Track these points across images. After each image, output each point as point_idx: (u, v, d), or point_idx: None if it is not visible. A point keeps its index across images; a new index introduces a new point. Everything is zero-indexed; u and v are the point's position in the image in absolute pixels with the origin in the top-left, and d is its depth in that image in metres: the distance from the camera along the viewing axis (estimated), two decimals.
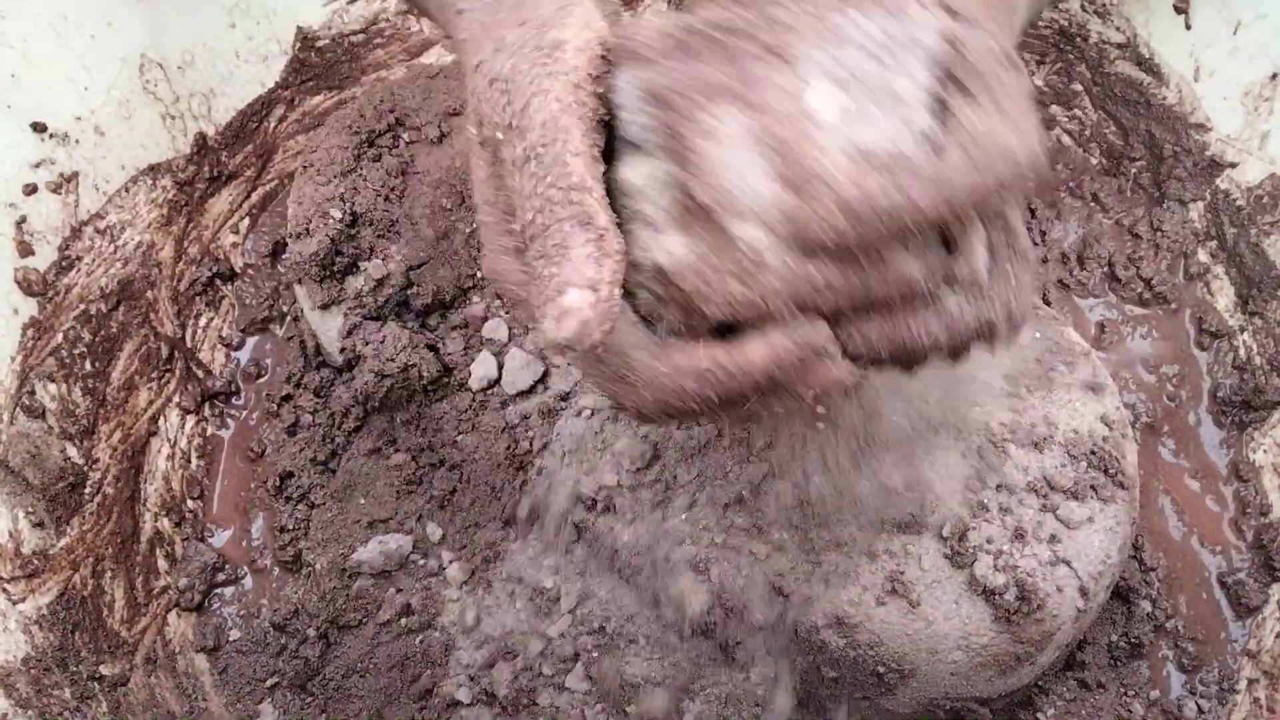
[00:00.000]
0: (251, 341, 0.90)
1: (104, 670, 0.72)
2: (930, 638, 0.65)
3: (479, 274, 0.85)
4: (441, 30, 0.54)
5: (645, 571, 0.74)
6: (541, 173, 0.45)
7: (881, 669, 0.66)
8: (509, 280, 0.49)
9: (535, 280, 0.44)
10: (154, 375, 0.83)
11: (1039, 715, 0.73)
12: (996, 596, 0.65)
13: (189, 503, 0.83)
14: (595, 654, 0.72)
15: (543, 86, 0.46)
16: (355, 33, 0.94)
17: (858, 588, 0.66)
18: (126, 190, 0.81)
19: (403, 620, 0.76)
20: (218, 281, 0.89)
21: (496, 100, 0.46)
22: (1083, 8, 0.92)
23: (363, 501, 0.81)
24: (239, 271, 0.91)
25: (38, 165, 0.75)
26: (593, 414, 0.77)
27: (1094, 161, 0.94)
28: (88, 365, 0.78)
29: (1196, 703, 0.73)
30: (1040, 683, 0.72)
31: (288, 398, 0.86)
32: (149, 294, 0.83)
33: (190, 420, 0.85)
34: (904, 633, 0.65)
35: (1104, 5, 0.91)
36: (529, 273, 0.46)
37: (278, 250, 0.92)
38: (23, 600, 0.69)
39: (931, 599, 0.65)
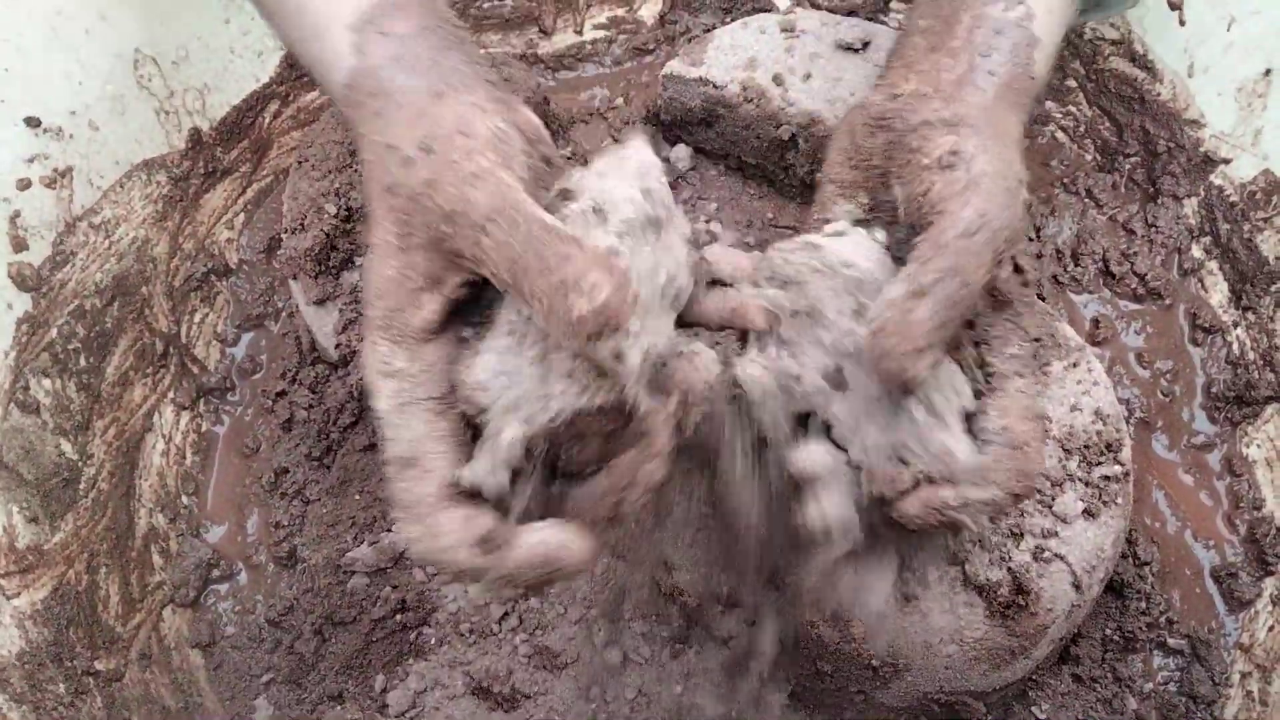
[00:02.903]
0: (246, 337, 0.90)
1: (99, 665, 0.72)
2: (924, 631, 0.65)
3: None
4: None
5: (645, 562, 0.74)
6: (518, 220, 0.48)
7: (876, 663, 0.66)
8: (381, 370, 0.51)
9: (543, 281, 0.46)
10: (149, 371, 0.83)
11: (1033, 709, 0.73)
12: (991, 591, 0.65)
13: (184, 499, 0.83)
14: (588, 643, 0.72)
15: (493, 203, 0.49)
16: None
17: None
18: (121, 185, 0.81)
19: (397, 617, 0.76)
20: (212, 277, 0.89)
21: (438, 223, 0.49)
22: None
23: (357, 497, 0.81)
24: (234, 267, 0.91)
25: (32, 160, 0.75)
26: None
27: (1088, 158, 0.94)
28: (82, 361, 0.78)
29: (1190, 696, 0.73)
30: (1034, 676, 0.73)
31: (283, 393, 0.86)
32: (144, 289, 0.83)
33: (185, 416, 0.85)
34: (899, 626, 0.65)
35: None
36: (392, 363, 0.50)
37: (273, 246, 0.91)
38: (17, 595, 0.69)
39: (926, 593, 0.65)
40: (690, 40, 0.95)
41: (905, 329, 0.46)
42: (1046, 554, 0.66)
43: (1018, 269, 0.54)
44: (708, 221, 0.86)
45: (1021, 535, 0.66)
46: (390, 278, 0.51)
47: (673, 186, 0.90)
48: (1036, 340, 0.56)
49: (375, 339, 0.51)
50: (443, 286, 0.51)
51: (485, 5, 0.97)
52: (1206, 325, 0.85)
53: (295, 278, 0.79)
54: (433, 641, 0.75)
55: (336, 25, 0.56)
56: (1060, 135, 0.95)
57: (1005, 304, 0.53)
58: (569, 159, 0.92)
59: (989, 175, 0.51)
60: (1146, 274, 0.87)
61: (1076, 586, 0.67)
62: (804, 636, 0.68)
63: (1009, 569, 0.65)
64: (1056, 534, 0.67)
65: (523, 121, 0.54)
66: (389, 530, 0.78)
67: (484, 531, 0.47)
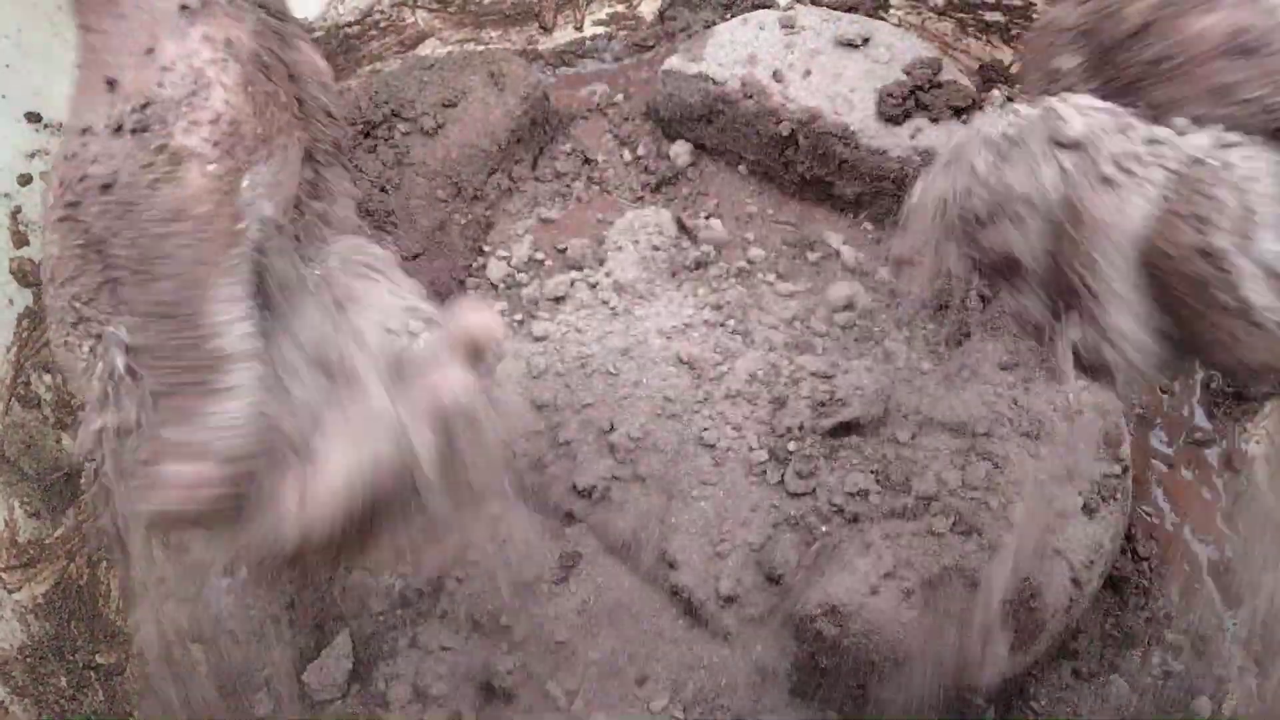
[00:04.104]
0: None
1: (100, 659, 0.72)
2: (924, 627, 0.65)
3: (475, 265, 0.85)
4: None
5: (645, 558, 0.75)
6: (171, 330, 0.40)
7: (875, 657, 0.66)
8: (73, 374, 0.43)
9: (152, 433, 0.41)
10: None
11: (1033, 704, 0.73)
12: (989, 588, 0.65)
13: None
14: (590, 636, 0.72)
15: (171, 233, 0.40)
16: (350, 25, 0.94)
17: (852, 577, 0.67)
18: None
19: (398, 611, 0.76)
20: None
21: (110, 217, 0.40)
22: None
23: None
24: None
25: (32, 155, 0.75)
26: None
27: None
28: None
29: (1188, 691, 0.74)
30: (1034, 671, 0.73)
31: None
32: None
33: None
34: (897, 622, 0.65)
35: None
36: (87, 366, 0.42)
37: None
38: (19, 589, 0.69)
39: (924, 588, 0.65)
40: (690, 36, 0.95)
41: None
42: (1046, 550, 0.66)
43: None
44: (707, 217, 0.86)
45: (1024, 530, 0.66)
46: (63, 258, 0.43)
47: (672, 183, 0.90)
48: None
49: None
50: None
51: (485, 1, 0.97)
52: None
53: None
54: (433, 636, 0.75)
55: None
56: None
57: None
58: (569, 154, 0.92)
59: None
60: None
61: (1075, 582, 0.67)
62: (804, 632, 0.69)
63: (1008, 565, 0.65)
64: (1055, 530, 0.67)
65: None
66: None
67: None
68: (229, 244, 0.41)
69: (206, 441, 0.41)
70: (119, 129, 0.40)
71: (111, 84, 0.41)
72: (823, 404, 0.74)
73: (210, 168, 0.40)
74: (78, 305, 0.42)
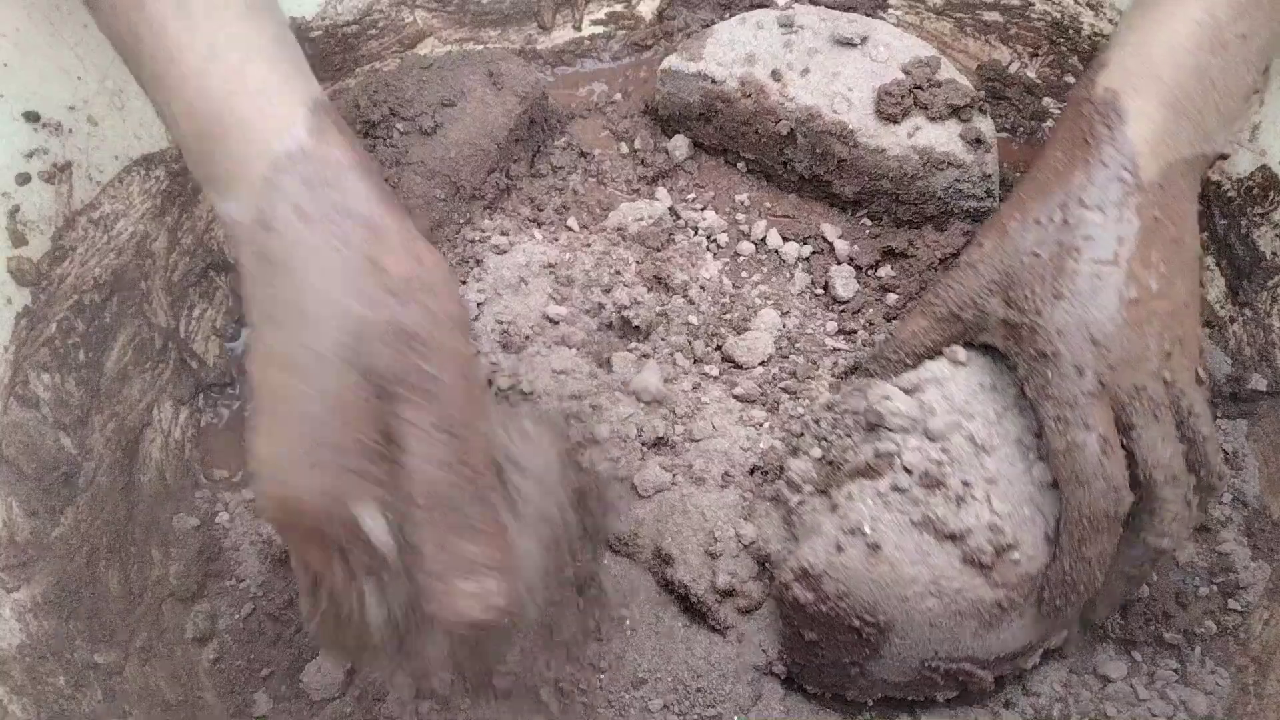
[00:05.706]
0: (245, 332, 0.90)
1: (99, 659, 0.72)
2: (897, 583, 0.64)
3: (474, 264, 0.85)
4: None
5: (642, 555, 0.75)
6: (459, 447, 0.47)
7: (856, 622, 0.65)
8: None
9: (438, 546, 0.48)
10: (148, 366, 0.83)
11: (1032, 702, 0.73)
12: (961, 539, 0.63)
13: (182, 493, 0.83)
14: (590, 634, 0.72)
15: (463, 353, 0.48)
16: (349, 24, 0.93)
17: (819, 538, 0.66)
18: (120, 180, 0.81)
19: None
20: (211, 272, 0.89)
21: (403, 354, 0.46)
22: (1075, 0, 0.92)
23: None
24: (232, 262, 0.91)
25: (30, 155, 0.75)
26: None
27: None
28: (81, 355, 0.78)
29: (1186, 689, 0.74)
30: (1034, 669, 0.73)
31: None
32: (142, 284, 0.83)
33: (184, 411, 0.85)
34: (868, 579, 0.64)
35: None
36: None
37: None
38: (17, 589, 0.69)
39: (891, 542, 0.64)
40: (688, 36, 0.96)
41: None
42: (1023, 502, 0.64)
43: None
44: (702, 209, 0.86)
45: (995, 481, 0.64)
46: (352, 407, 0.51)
47: (669, 176, 0.90)
48: None
49: None
50: None
51: (484, 1, 0.97)
52: (1203, 321, 0.85)
53: None
54: (431, 635, 0.75)
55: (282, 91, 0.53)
56: None
57: None
58: (564, 149, 0.92)
59: None
60: None
61: (1048, 539, 0.64)
62: (784, 605, 0.68)
63: (981, 518, 0.63)
64: (1037, 498, 0.65)
65: None
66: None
67: None
68: None
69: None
70: None
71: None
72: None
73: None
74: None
